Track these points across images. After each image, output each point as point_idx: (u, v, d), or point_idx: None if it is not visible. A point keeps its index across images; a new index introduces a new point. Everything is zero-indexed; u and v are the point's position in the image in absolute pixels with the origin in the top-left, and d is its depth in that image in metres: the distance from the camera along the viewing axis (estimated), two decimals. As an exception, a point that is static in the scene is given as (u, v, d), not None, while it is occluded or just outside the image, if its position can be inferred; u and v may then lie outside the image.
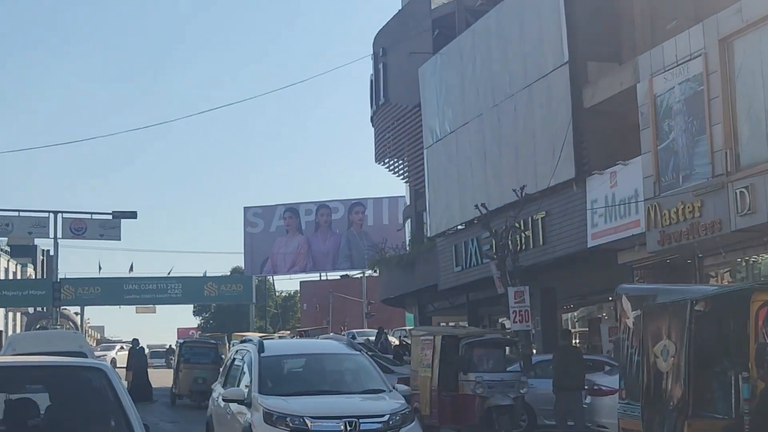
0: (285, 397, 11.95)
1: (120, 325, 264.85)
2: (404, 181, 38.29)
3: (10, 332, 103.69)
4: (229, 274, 77.75)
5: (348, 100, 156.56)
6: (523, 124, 26.13)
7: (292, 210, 71.44)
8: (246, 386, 12.54)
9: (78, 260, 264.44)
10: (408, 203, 39.18)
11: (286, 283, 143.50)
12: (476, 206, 24.36)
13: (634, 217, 21.45)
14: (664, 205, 19.99)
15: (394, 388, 12.65)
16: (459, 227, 30.58)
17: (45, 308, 64.27)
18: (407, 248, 36.98)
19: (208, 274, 66.63)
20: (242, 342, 14.50)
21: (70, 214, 46.53)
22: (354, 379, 13.01)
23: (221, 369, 14.84)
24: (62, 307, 59.40)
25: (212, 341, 32.91)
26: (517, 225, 23.62)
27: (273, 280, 78.46)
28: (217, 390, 13.97)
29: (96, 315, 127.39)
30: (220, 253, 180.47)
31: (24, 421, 6.66)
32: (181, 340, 31.87)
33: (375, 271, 63.10)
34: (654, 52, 20.90)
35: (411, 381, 18.41)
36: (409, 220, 38.86)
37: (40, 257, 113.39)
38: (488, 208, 24.34)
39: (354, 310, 64.13)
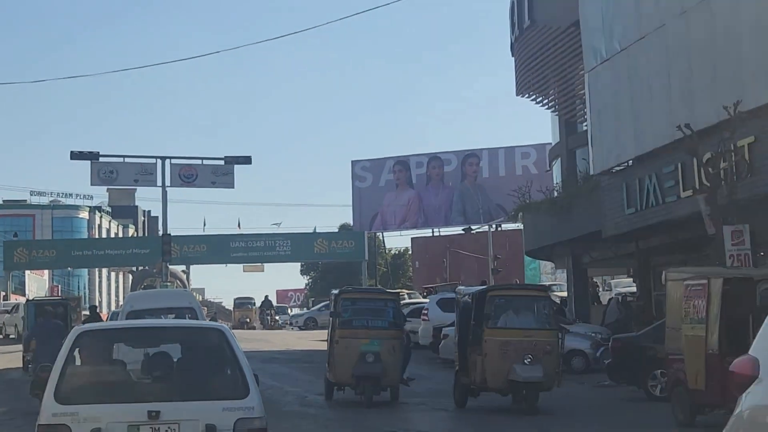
0: None
1: (221, 286, 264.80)
2: (554, 113, 33.75)
3: (113, 291, 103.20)
4: (337, 230, 74.56)
5: (456, 43, 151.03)
6: (723, 31, 21.54)
7: (401, 163, 68.26)
8: None
9: (181, 218, 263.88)
10: (557, 140, 34.58)
11: (395, 240, 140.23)
12: (678, 127, 19.95)
13: None
14: None
15: None
16: (630, 162, 26.17)
17: (148, 267, 61.99)
18: (556, 192, 32.52)
19: (317, 230, 63.62)
20: None
21: (179, 160, 42.83)
22: None
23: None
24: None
25: (388, 291, 23.33)
26: (731, 149, 19.21)
27: (383, 236, 75.02)
28: None
29: (197, 275, 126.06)
30: (327, 206, 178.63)
31: (159, 370, 8.51)
32: (335, 291, 20.07)
33: (499, 223, 59.19)
34: None
35: (668, 342, 14.22)
36: (558, 160, 34.37)
37: (141, 218, 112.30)
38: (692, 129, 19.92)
39: (469, 266, 60.48)
